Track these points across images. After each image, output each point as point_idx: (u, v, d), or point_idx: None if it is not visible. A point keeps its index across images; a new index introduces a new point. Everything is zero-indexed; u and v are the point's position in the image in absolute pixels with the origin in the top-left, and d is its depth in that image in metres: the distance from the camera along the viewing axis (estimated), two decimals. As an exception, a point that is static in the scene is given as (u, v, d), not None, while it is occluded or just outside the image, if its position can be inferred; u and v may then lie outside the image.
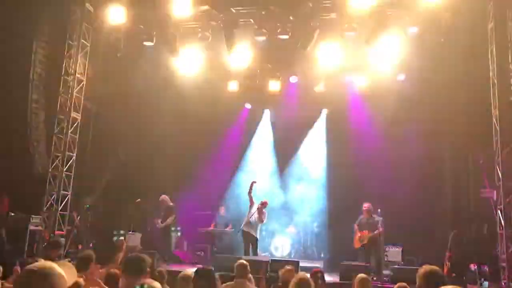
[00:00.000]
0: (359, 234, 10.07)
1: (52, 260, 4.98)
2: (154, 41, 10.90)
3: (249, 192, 10.46)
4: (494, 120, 8.93)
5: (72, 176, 10.63)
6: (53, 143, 10.55)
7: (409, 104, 12.39)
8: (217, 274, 4.21)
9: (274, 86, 12.82)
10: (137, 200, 12.38)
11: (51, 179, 10.41)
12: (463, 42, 10.51)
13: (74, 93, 10.72)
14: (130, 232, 11.19)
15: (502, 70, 8.87)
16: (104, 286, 4.51)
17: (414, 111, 12.82)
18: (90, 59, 11.34)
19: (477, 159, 10.99)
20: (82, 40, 10.88)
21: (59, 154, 10.50)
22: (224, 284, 5.19)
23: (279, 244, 12.43)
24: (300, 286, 4.05)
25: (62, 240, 9.84)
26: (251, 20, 10.55)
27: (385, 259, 9.82)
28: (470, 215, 11.08)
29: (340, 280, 8.57)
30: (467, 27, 10.11)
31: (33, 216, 9.71)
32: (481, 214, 10.73)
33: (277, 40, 10.57)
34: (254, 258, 9.54)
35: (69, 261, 5.24)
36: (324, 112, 14.03)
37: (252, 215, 10.32)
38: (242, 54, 11.43)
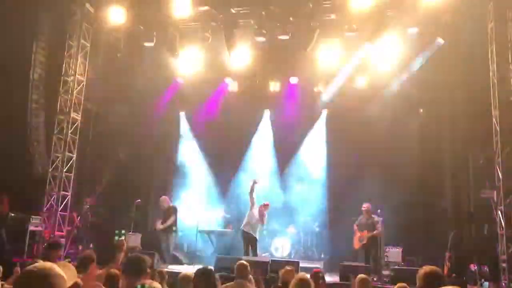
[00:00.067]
0: (358, 235, 10.08)
1: (52, 260, 4.98)
2: (154, 41, 10.91)
3: (250, 193, 10.39)
4: (494, 120, 8.93)
5: (72, 177, 10.63)
6: (53, 144, 10.56)
7: (409, 104, 12.40)
8: (217, 275, 4.21)
9: (274, 86, 12.82)
10: (137, 200, 12.38)
11: (51, 180, 10.42)
12: (463, 42, 10.52)
13: (74, 94, 10.73)
14: (130, 233, 11.18)
15: (502, 70, 8.86)
16: (103, 287, 4.51)
17: (414, 111, 12.83)
18: (90, 60, 11.35)
19: (477, 159, 10.98)
20: (82, 41, 10.89)
21: (59, 155, 10.51)
22: (224, 285, 5.19)
23: (279, 244, 12.42)
24: (300, 287, 4.04)
25: (62, 240, 9.84)
26: (251, 20, 10.55)
27: (385, 260, 9.80)
28: (470, 215, 11.06)
29: (340, 280, 8.56)
30: (467, 27, 10.12)
31: (33, 216, 9.72)
32: (481, 214, 10.72)
33: (277, 40, 10.58)
34: (254, 258, 9.53)
35: (69, 262, 5.24)
36: (324, 112, 14.02)
37: (253, 216, 10.32)
38: (242, 55, 11.44)
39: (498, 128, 8.79)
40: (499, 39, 8.94)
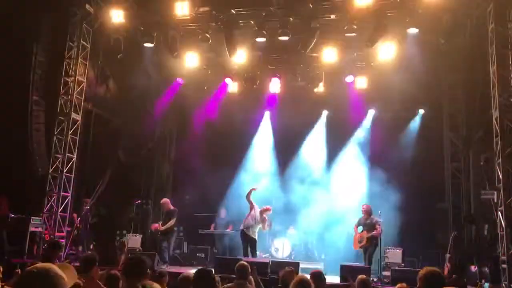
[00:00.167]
0: (358, 235, 10.08)
1: (52, 261, 4.98)
2: (154, 42, 10.92)
3: (247, 196, 10.48)
4: (494, 121, 8.92)
5: (73, 178, 10.63)
6: (54, 145, 10.56)
7: (409, 104, 12.41)
8: (217, 276, 4.20)
9: (274, 87, 12.83)
10: (137, 201, 12.39)
11: (51, 181, 10.42)
12: (463, 43, 10.52)
13: (75, 95, 10.74)
14: (130, 234, 11.18)
15: (502, 71, 8.86)
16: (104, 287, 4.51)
17: (414, 111, 12.85)
18: (90, 61, 11.36)
19: (477, 160, 10.98)
20: (83, 42, 10.89)
21: (60, 156, 10.51)
22: (224, 286, 5.18)
23: (280, 245, 12.42)
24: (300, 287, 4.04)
25: (62, 241, 9.84)
26: (251, 21, 10.56)
27: (386, 261, 9.80)
28: (471, 216, 11.06)
29: (340, 281, 8.56)
30: (467, 28, 10.13)
31: (33, 217, 9.71)
32: (482, 215, 10.72)
33: (277, 41, 10.58)
34: (254, 259, 9.53)
35: (69, 263, 5.24)
36: (325, 113, 14.03)
37: (252, 217, 10.33)
38: (242, 55, 11.45)
39: (498, 129, 8.78)
40: (499, 40, 8.93)
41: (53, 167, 10.47)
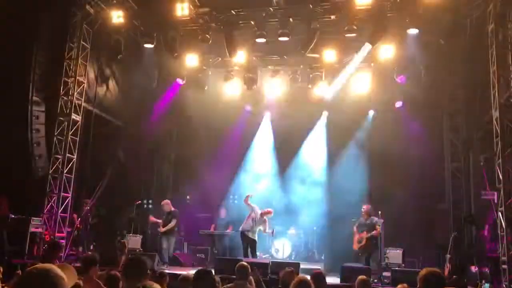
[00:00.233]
0: (358, 236, 10.08)
1: (52, 262, 4.98)
2: (155, 43, 10.92)
3: (245, 202, 10.63)
4: (494, 121, 8.91)
5: (73, 178, 10.63)
6: (54, 145, 10.56)
7: (409, 104, 12.40)
8: (217, 276, 4.20)
9: (274, 88, 12.83)
10: (137, 202, 12.38)
11: (52, 181, 10.42)
12: (463, 43, 10.52)
13: (75, 95, 10.74)
14: (131, 234, 11.18)
15: (502, 71, 8.86)
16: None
17: (414, 112, 12.83)
18: (91, 61, 11.36)
19: (477, 161, 10.97)
20: (83, 42, 10.90)
21: (60, 156, 10.52)
22: (224, 286, 5.19)
23: (280, 246, 12.42)
24: (300, 288, 4.03)
25: (62, 242, 9.84)
26: (252, 22, 10.56)
27: (386, 261, 9.80)
28: (471, 217, 11.05)
29: (341, 282, 8.56)
30: (467, 28, 10.13)
31: (33, 218, 9.71)
32: (482, 216, 10.71)
33: (277, 42, 10.59)
34: (254, 260, 9.53)
35: (69, 263, 5.24)
36: (325, 114, 14.03)
37: (253, 218, 10.35)
38: (242, 56, 11.46)
39: (498, 130, 8.78)
40: (499, 40, 8.93)
41: (53, 167, 10.47)
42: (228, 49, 10.77)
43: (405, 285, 5.22)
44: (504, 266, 8.20)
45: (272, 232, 10.69)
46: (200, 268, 4.76)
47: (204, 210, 13.47)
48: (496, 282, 8.53)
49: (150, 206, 13.76)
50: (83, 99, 11.05)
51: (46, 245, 9.40)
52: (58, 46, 10.79)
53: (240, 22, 10.64)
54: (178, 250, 12.17)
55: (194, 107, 13.66)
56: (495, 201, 8.83)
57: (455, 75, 11.73)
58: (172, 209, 10.94)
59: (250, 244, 10.29)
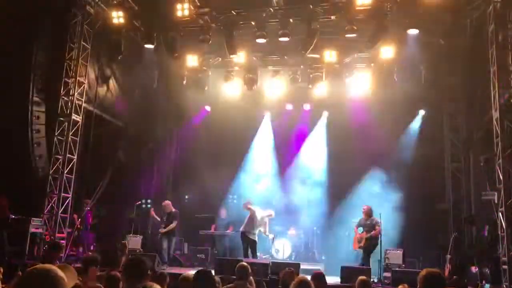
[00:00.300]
0: (357, 236, 10.08)
1: (52, 262, 4.98)
2: (155, 43, 10.92)
3: (245, 206, 10.57)
4: (494, 122, 8.91)
5: (73, 178, 10.63)
6: (54, 146, 10.56)
7: (409, 104, 12.40)
8: (217, 277, 4.20)
9: (275, 88, 12.82)
10: (137, 202, 12.38)
11: (52, 182, 10.42)
12: (463, 44, 10.52)
13: (75, 95, 10.74)
14: (131, 235, 11.18)
15: (502, 71, 8.85)
16: (103, 288, 4.51)
17: (414, 112, 12.84)
18: (91, 62, 11.36)
19: (478, 161, 10.97)
20: (83, 43, 10.90)
21: (60, 156, 10.52)
22: (224, 287, 5.19)
23: (280, 246, 12.42)
24: (300, 289, 4.03)
25: (63, 242, 9.84)
26: (252, 22, 10.56)
27: (386, 262, 9.79)
28: (471, 217, 11.05)
29: (341, 282, 8.55)
30: (467, 29, 10.13)
31: (34, 218, 9.71)
32: (482, 216, 10.70)
33: (277, 42, 10.58)
34: (255, 260, 9.53)
35: (69, 263, 5.24)
36: (325, 114, 14.03)
37: (253, 218, 10.35)
38: (242, 56, 11.46)
39: (498, 130, 8.77)
40: (499, 40, 8.92)
41: (54, 168, 10.47)
42: (228, 50, 10.76)
43: (405, 285, 5.23)
44: (505, 267, 8.19)
45: (273, 239, 10.76)
46: (200, 268, 4.76)
47: (204, 210, 13.46)
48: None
49: (150, 206, 13.76)
50: (83, 100, 11.05)
51: (46, 246, 9.40)
52: (58, 47, 10.79)
53: (240, 22, 10.63)
54: (178, 250, 12.18)
55: (194, 107, 13.67)
56: (496, 201, 8.82)
57: (455, 75, 11.73)
58: (173, 210, 10.94)
59: (250, 245, 10.29)
